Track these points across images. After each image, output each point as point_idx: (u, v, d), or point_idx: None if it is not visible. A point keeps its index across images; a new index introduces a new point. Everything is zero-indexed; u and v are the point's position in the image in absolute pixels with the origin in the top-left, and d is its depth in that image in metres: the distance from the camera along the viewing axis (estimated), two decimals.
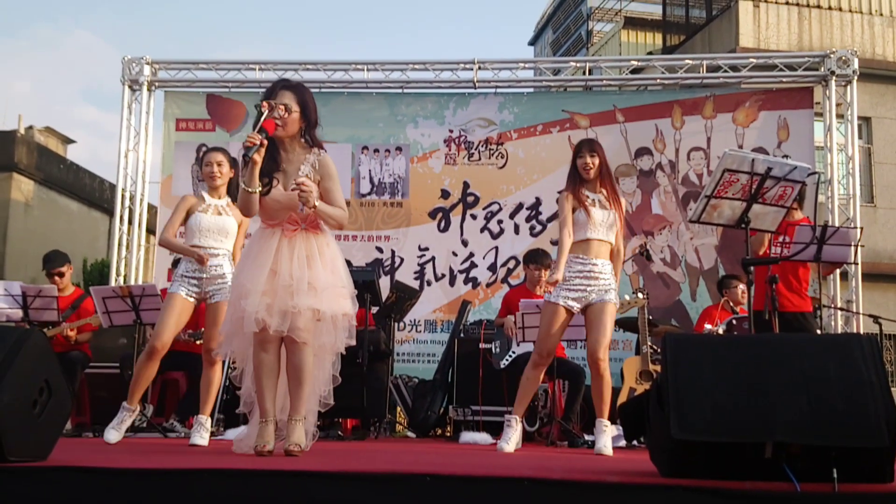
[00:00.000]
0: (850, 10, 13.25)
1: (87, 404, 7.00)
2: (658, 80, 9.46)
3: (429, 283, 9.03)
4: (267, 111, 3.60)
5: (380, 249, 9.16)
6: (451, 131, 9.33)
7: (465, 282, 9.06)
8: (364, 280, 6.31)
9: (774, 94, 9.17)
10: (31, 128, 16.94)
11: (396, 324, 7.99)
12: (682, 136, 9.11)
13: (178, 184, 9.29)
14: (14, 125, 16.85)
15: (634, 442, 5.15)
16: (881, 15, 13.42)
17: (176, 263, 5.78)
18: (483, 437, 6.16)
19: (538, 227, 9.09)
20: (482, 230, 9.15)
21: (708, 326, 6.76)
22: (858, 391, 2.36)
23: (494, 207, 9.16)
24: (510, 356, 6.67)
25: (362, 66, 9.48)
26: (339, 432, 6.64)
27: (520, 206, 9.14)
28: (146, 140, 9.54)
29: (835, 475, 2.26)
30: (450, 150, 9.31)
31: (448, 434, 7.49)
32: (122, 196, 9.37)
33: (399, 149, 9.36)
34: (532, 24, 30.68)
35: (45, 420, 2.80)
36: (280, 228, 3.70)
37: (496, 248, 9.11)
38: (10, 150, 14.67)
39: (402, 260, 9.14)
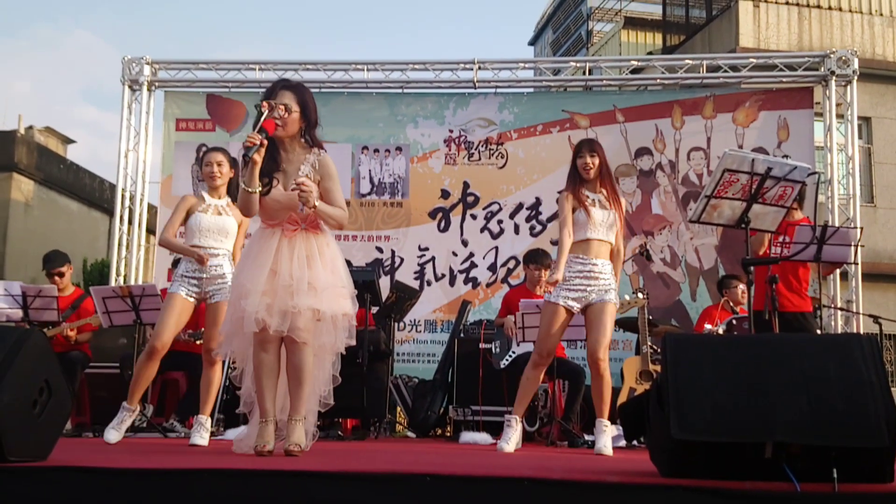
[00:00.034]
0: (850, 10, 13.25)
1: (87, 404, 7.01)
2: (658, 80, 9.46)
3: (429, 283, 9.03)
4: (267, 111, 3.60)
5: (380, 249, 9.16)
6: (451, 131, 9.33)
7: (465, 282, 9.07)
8: (364, 280, 6.31)
9: (774, 94, 9.17)
10: (31, 128, 16.94)
11: (396, 324, 7.99)
12: (682, 136, 9.11)
13: (178, 184, 9.29)
14: (14, 125, 16.87)
15: (634, 442, 5.15)
16: (881, 15, 13.42)
17: (176, 264, 5.78)
18: (483, 437, 6.16)
19: (538, 227, 9.09)
20: (482, 230, 9.15)
21: (708, 326, 6.76)
22: (858, 391, 2.36)
23: (494, 207, 9.16)
24: (510, 356, 6.67)
25: (362, 66, 9.49)
26: (339, 432, 6.64)
27: (520, 206, 9.14)
28: (146, 140, 9.54)
29: (835, 475, 2.26)
30: (450, 150, 9.31)
31: (448, 434, 7.49)
32: (122, 196, 9.37)
33: (399, 149, 9.36)
34: (532, 24, 30.70)
35: (45, 420, 2.80)
36: (280, 228, 3.71)
37: (496, 248, 9.11)
38: (10, 150, 14.67)
39: (402, 260, 9.14)
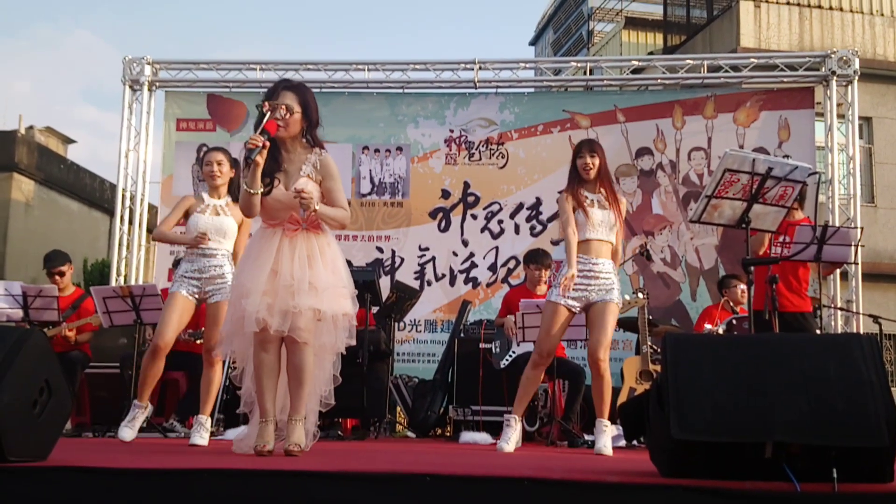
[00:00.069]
0: (851, 11, 13.25)
1: (87, 404, 7.01)
2: (659, 80, 9.46)
3: (429, 283, 9.03)
4: (269, 113, 3.61)
5: (380, 249, 9.16)
6: (451, 131, 9.33)
7: (466, 282, 9.06)
8: (364, 280, 6.31)
9: (775, 94, 9.17)
10: (31, 128, 16.94)
11: (396, 324, 7.99)
12: (682, 136, 9.11)
13: (178, 184, 9.30)
14: (14, 125, 16.87)
15: (634, 442, 5.15)
16: (882, 15, 13.41)
17: (177, 264, 5.78)
18: (483, 437, 6.16)
19: (538, 227, 9.09)
20: (482, 230, 9.15)
21: (708, 326, 6.76)
22: (858, 391, 2.36)
23: (495, 207, 9.16)
24: (510, 356, 6.67)
25: (363, 66, 9.49)
26: (339, 432, 6.64)
27: (520, 206, 9.14)
28: (147, 140, 9.55)
29: (835, 475, 2.26)
30: (450, 150, 9.31)
31: (448, 434, 7.49)
32: (123, 196, 9.37)
33: (399, 149, 9.36)
34: (533, 24, 30.71)
35: (45, 420, 2.81)
36: (281, 228, 3.71)
37: (496, 248, 9.11)
38: (11, 150, 14.68)
39: (402, 260, 9.14)
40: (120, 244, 9.34)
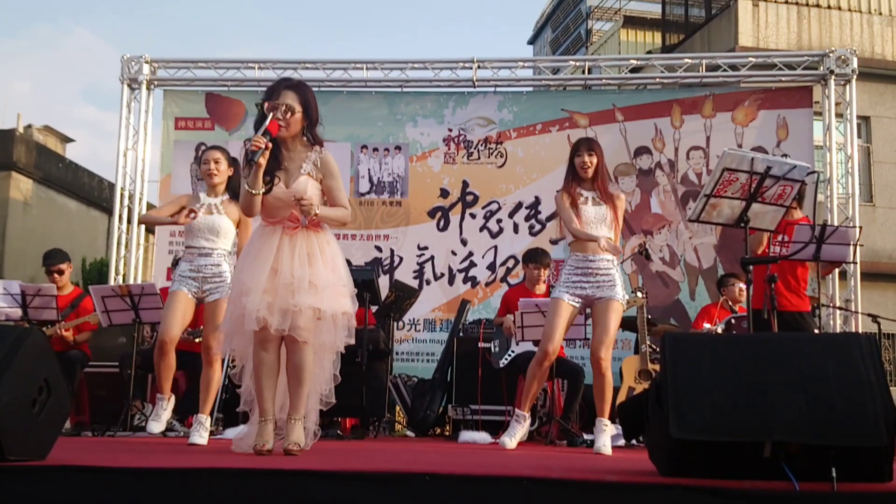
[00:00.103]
0: (850, 10, 13.26)
1: (86, 403, 7.00)
2: (657, 80, 9.46)
3: (428, 283, 9.03)
4: (271, 115, 3.61)
5: (379, 248, 9.16)
6: (450, 130, 9.33)
7: (465, 281, 9.06)
8: (363, 279, 6.31)
9: (774, 93, 9.17)
10: (29, 126, 16.92)
11: (395, 323, 7.99)
12: (681, 136, 9.11)
13: (177, 182, 9.29)
14: (13, 124, 16.84)
15: (633, 441, 5.15)
16: (880, 14, 13.42)
17: (176, 263, 5.79)
18: (482, 437, 6.16)
19: (537, 227, 9.09)
20: (481, 229, 9.15)
21: (707, 325, 6.76)
22: (857, 390, 2.37)
23: (493, 206, 9.16)
24: (509, 355, 6.67)
25: (361, 64, 9.48)
26: (339, 431, 6.64)
27: (519, 205, 9.14)
28: (145, 139, 9.54)
29: (833, 474, 2.26)
30: (449, 149, 9.31)
31: (447, 433, 7.49)
32: (122, 195, 9.37)
33: (398, 148, 9.36)
34: (531, 23, 30.70)
35: (44, 419, 2.80)
36: (281, 226, 3.71)
37: (495, 247, 9.11)
38: (9, 149, 14.66)
39: (401, 259, 9.13)
40: (118, 243, 9.33)
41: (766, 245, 5.55)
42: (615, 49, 21.75)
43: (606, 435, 4.69)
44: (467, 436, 6.20)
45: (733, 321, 6.54)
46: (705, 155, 9.04)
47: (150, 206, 9.86)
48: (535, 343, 6.38)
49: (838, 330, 8.42)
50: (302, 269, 3.63)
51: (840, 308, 8.56)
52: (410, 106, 9.45)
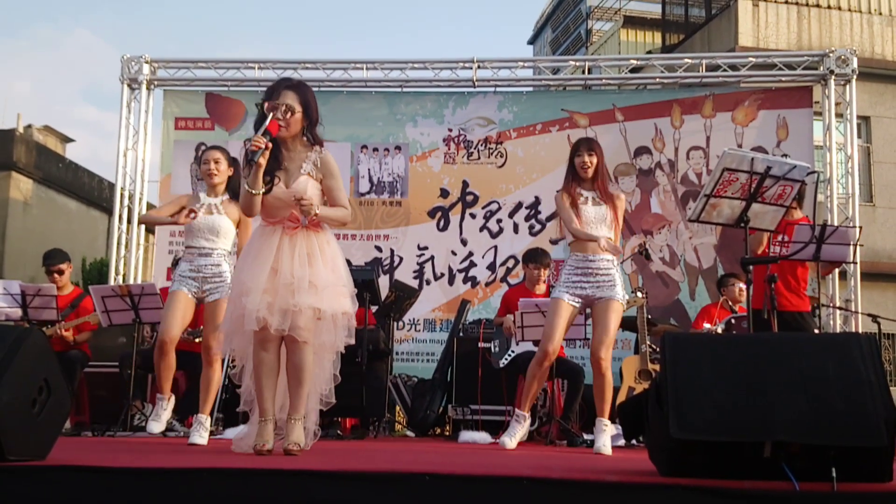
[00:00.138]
0: (850, 10, 13.26)
1: (86, 403, 7.00)
2: (657, 80, 9.46)
3: (428, 283, 9.03)
4: (271, 115, 3.61)
5: (379, 248, 9.16)
6: (450, 130, 9.33)
7: (465, 281, 9.06)
8: (363, 279, 6.31)
9: (774, 93, 9.17)
10: (29, 126, 16.91)
11: (395, 323, 7.99)
12: (681, 136, 9.11)
13: (176, 182, 9.29)
14: (13, 124, 16.84)
15: (633, 441, 5.15)
16: (880, 14, 13.42)
17: (176, 263, 5.79)
18: (482, 437, 6.16)
19: (537, 227, 9.09)
20: (481, 229, 9.15)
21: (707, 325, 6.76)
22: (857, 390, 2.37)
23: (493, 206, 9.16)
24: (509, 355, 6.67)
25: (361, 64, 9.48)
26: (339, 431, 6.64)
27: (519, 206, 9.14)
28: (145, 139, 9.54)
29: (834, 474, 2.26)
30: (449, 149, 9.30)
31: (447, 433, 7.49)
32: (122, 195, 9.36)
33: (398, 148, 9.36)
34: (531, 23, 30.70)
35: (44, 419, 2.80)
36: (281, 226, 3.71)
37: (495, 247, 9.11)
38: (9, 149, 14.66)
39: (401, 259, 9.13)
40: (119, 243, 9.33)
41: (766, 245, 5.54)
42: (615, 49, 21.75)
43: (606, 435, 4.69)
44: (467, 436, 6.20)
45: (733, 321, 6.54)
46: (705, 155, 9.04)
47: (150, 206, 9.86)
48: (535, 343, 6.38)
49: (838, 330, 8.42)
50: (302, 269, 3.63)
51: (840, 308, 8.56)
52: (410, 106, 9.45)
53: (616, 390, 5.94)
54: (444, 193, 9.23)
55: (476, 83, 9.34)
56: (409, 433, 7.69)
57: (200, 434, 4.59)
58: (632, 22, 22.77)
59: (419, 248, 9.15)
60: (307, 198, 3.61)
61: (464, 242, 9.13)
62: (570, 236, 4.87)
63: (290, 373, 3.70)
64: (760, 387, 2.40)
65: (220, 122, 9.51)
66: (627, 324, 6.80)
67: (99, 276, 12.78)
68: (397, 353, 8.52)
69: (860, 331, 8.30)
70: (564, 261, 5.12)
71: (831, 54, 9.01)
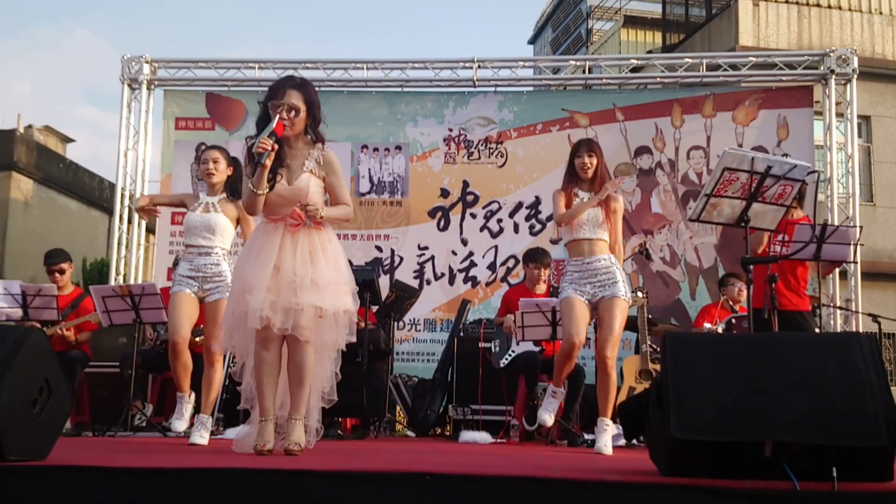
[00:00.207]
0: (850, 9, 13.25)
1: (86, 404, 7.00)
2: (658, 79, 9.45)
3: (428, 282, 9.03)
4: (277, 117, 3.62)
5: (379, 248, 9.16)
6: (450, 130, 9.33)
7: (465, 281, 9.06)
8: (364, 279, 6.31)
9: (774, 92, 9.17)
10: (30, 127, 16.92)
11: (396, 323, 7.99)
12: (681, 135, 9.11)
13: (177, 183, 9.29)
14: (13, 124, 16.84)
15: (634, 441, 5.14)
16: (881, 14, 13.42)
17: (177, 263, 5.79)
18: (483, 437, 6.16)
19: (538, 226, 9.09)
20: (482, 229, 9.14)
21: (707, 325, 6.76)
22: (858, 390, 2.36)
23: (494, 206, 9.16)
24: (510, 355, 6.67)
25: (362, 64, 9.48)
26: (339, 431, 6.64)
27: (519, 205, 9.13)
28: (146, 139, 9.54)
29: (834, 474, 2.26)
30: (449, 148, 9.30)
31: (448, 433, 7.49)
32: (122, 195, 9.36)
33: (398, 147, 9.36)
34: (531, 23, 30.67)
35: (44, 419, 2.81)
36: (283, 224, 3.71)
37: (496, 246, 9.11)
38: (10, 149, 14.65)
39: (401, 259, 9.13)
40: (119, 243, 9.33)
41: (767, 244, 5.54)
42: (615, 49, 21.76)
43: (607, 435, 4.69)
44: (468, 436, 6.20)
45: (734, 321, 6.54)
46: (706, 154, 9.04)
47: None
48: (536, 343, 6.40)
49: (839, 329, 8.41)
50: (304, 267, 3.63)
51: (840, 308, 8.55)
52: (411, 106, 9.44)
53: (617, 390, 5.94)
54: (445, 193, 9.23)
55: (476, 83, 9.34)
56: (410, 433, 7.69)
57: (201, 434, 4.60)
58: (632, 21, 22.79)
59: (419, 248, 9.14)
60: (313, 204, 3.62)
61: (464, 242, 9.13)
62: (566, 236, 4.86)
63: (292, 372, 3.70)
64: (761, 386, 2.40)
65: (220, 122, 9.51)
66: (628, 324, 6.78)
67: (99, 277, 12.78)
68: (398, 353, 8.51)
69: (861, 330, 8.30)
70: (564, 264, 5.11)
71: (832, 54, 9.01)
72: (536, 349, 6.51)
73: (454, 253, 9.11)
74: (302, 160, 3.75)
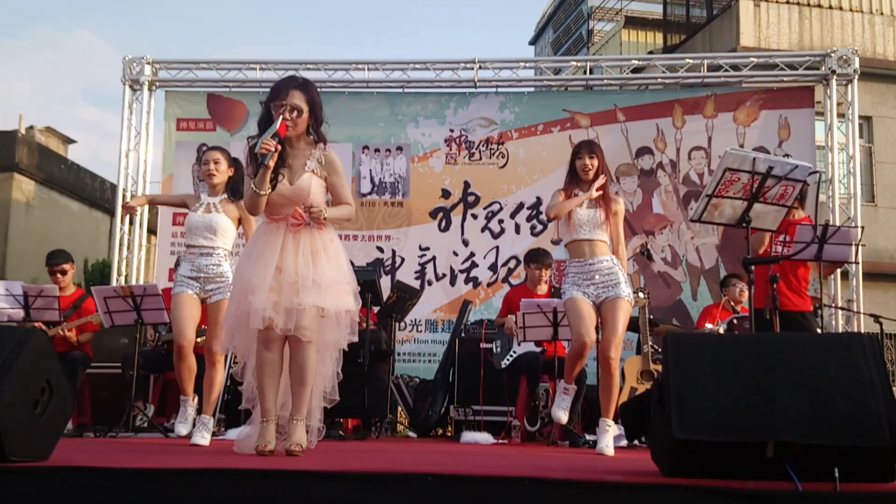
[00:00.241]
0: (851, 10, 13.25)
1: (88, 404, 7.00)
2: (659, 80, 9.45)
3: (429, 283, 9.03)
4: (280, 118, 3.62)
5: (380, 249, 9.16)
6: (451, 131, 9.33)
7: (466, 281, 9.06)
8: (365, 280, 6.30)
9: (775, 93, 9.16)
10: (31, 128, 16.93)
11: (397, 323, 7.99)
12: (683, 136, 9.11)
13: (178, 184, 9.30)
14: (15, 125, 16.86)
15: (636, 441, 5.14)
16: (882, 14, 13.41)
17: (178, 264, 5.78)
18: (484, 437, 6.16)
19: (539, 227, 9.09)
20: (483, 230, 9.15)
21: (709, 326, 6.76)
22: (860, 390, 2.36)
23: (495, 207, 9.16)
24: (511, 356, 6.67)
25: (363, 65, 9.48)
26: (341, 432, 6.64)
27: (520, 206, 9.13)
28: (147, 140, 9.55)
29: (836, 474, 2.26)
30: (450, 149, 9.31)
31: (449, 434, 7.49)
32: (123, 196, 9.36)
33: (400, 148, 9.36)
34: (533, 24, 30.71)
35: (46, 420, 2.81)
36: (284, 223, 3.71)
37: (497, 247, 9.11)
38: (11, 150, 14.67)
39: (402, 260, 9.13)
40: (121, 244, 9.33)
41: (768, 245, 5.54)
42: (616, 49, 21.76)
43: (609, 435, 4.68)
44: (469, 436, 6.20)
45: (735, 321, 6.54)
46: (707, 155, 9.04)
47: (151, 208, 9.85)
48: (537, 344, 6.39)
49: (840, 330, 8.41)
50: (306, 267, 3.63)
51: (842, 308, 8.54)
52: (412, 106, 9.45)
53: (619, 391, 5.94)
54: (446, 194, 9.23)
55: (477, 84, 9.34)
56: (411, 434, 7.69)
57: (203, 435, 4.59)
58: (633, 22, 22.79)
59: (421, 249, 9.14)
60: (316, 205, 3.62)
61: (465, 243, 9.13)
62: (566, 237, 4.86)
63: (293, 372, 3.70)
64: (762, 387, 2.40)
65: (221, 123, 9.51)
66: (629, 324, 6.79)
67: (101, 277, 12.79)
68: (399, 354, 8.52)
69: (862, 331, 8.29)
70: (565, 265, 5.10)
71: (833, 54, 9.01)
72: (538, 350, 6.51)
73: (455, 254, 9.11)
74: (304, 160, 3.75)
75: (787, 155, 8.24)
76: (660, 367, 5.99)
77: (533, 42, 30.16)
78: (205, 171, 4.87)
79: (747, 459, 2.35)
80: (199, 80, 9.65)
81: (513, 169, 9.22)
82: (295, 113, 3.68)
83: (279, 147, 3.59)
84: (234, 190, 4.82)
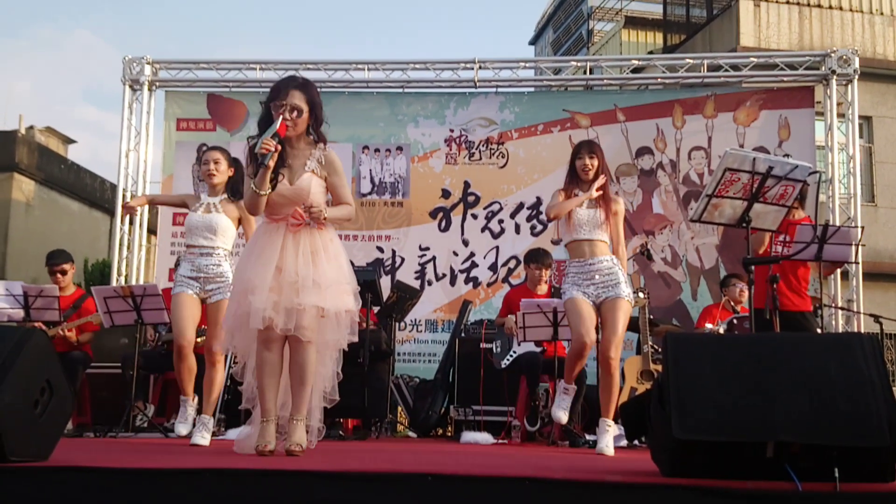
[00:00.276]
0: (851, 10, 13.25)
1: (88, 404, 7.00)
2: (659, 80, 9.45)
3: (429, 283, 9.03)
4: (280, 118, 3.62)
5: (380, 249, 9.16)
6: (451, 131, 9.33)
7: (466, 281, 9.06)
8: (365, 280, 6.30)
9: (775, 93, 9.17)
10: (31, 128, 16.93)
11: (397, 323, 7.99)
12: (682, 136, 9.11)
13: (178, 184, 9.30)
14: (15, 125, 16.86)
15: (636, 442, 5.14)
16: (882, 14, 13.41)
17: (178, 264, 5.78)
18: (484, 437, 6.16)
19: (539, 227, 9.09)
20: (483, 230, 9.15)
21: (709, 326, 6.76)
22: (860, 390, 2.36)
23: (495, 207, 9.16)
24: (511, 356, 6.67)
25: (363, 65, 9.48)
26: (341, 432, 6.64)
27: (520, 206, 9.14)
28: (147, 140, 9.55)
29: (836, 474, 2.26)
30: (450, 149, 9.31)
31: (449, 434, 7.49)
32: (123, 196, 9.36)
33: (400, 148, 9.36)
34: (533, 24, 30.71)
35: (46, 420, 2.81)
36: (284, 223, 3.71)
37: (497, 247, 9.11)
38: (11, 150, 14.67)
39: (402, 260, 9.13)
40: (121, 244, 9.33)
41: (768, 245, 5.54)
42: (616, 49, 21.77)
43: (609, 435, 4.68)
44: (469, 436, 6.20)
45: (735, 321, 6.54)
46: (707, 155, 9.04)
47: (151, 208, 9.85)
48: (537, 344, 6.40)
49: (840, 330, 8.41)
50: (306, 267, 3.63)
51: (842, 308, 8.54)
52: (412, 106, 9.45)
53: (618, 390, 5.94)
54: (446, 194, 9.23)
55: (477, 84, 9.34)
56: (411, 434, 7.69)
57: (203, 435, 4.59)
58: (633, 22, 22.80)
59: (421, 249, 9.15)
60: (316, 205, 3.62)
61: (465, 243, 9.13)
62: (566, 237, 4.86)
63: (293, 372, 3.70)
64: (762, 387, 2.40)
65: (221, 123, 9.51)
66: (629, 324, 6.79)
67: (101, 278, 12.79)
68: (399, 354, 8.52)
69: (862, 331, 8.29)
70: (565, 265, 5.10)
71: (833, 54, 9.01)
72: (538, 350, 6.51)
73: (455, 254, 9.11)
74: (304, 160, 3.75)
75: (787, 155, 8.24)
76: (660, 367, 5.99)
77: (533, 42, 30.17)
78: (205, 171, 4.87)
79: (747, 459, 2.35)
80: (199, 80, 9.65)
81: (513, 169, 9.22)
82: (295, 113, 3.68)
83: (279, 147, 3.59)
84: (234, 190, 4.81)
